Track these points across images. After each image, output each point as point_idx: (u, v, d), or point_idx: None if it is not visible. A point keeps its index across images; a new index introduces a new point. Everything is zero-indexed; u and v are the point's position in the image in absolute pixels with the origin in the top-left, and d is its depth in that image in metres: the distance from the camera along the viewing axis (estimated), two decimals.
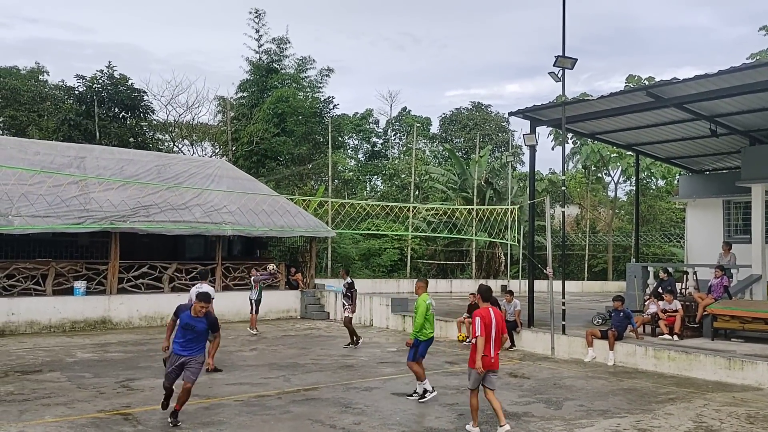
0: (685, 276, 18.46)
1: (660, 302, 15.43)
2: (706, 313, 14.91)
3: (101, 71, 33.45)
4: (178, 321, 8.69)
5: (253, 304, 18.25)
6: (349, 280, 16.41)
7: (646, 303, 16.53)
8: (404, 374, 12.21)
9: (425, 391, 10.04)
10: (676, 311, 14.87)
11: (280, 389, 10.70)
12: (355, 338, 16.04)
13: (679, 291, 17.24)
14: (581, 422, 8.77)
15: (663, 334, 14.72)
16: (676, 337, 14.47)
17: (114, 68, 33.61)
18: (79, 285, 18.83)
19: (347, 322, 16.13)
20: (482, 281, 34.10)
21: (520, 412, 9.25)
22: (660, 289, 16.42)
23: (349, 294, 16.20)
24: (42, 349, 14.65)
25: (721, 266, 16.31)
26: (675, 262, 34.52)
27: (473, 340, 8.11)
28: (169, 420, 8.28)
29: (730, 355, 12.30)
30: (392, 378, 11.85)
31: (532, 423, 8.69)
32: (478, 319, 8.08)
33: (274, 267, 20.74)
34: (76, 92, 33.55)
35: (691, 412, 9.45)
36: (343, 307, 16.37)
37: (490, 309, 8.31)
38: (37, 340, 16.14)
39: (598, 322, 17.79)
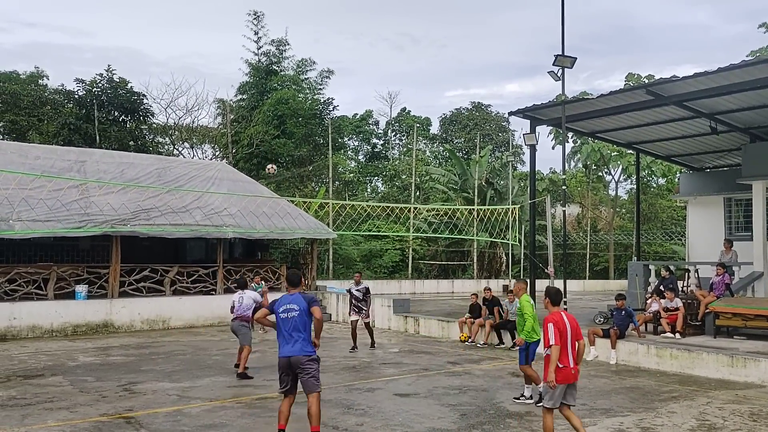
0: (686, 274, 18.44)
1: (662, 300, 15.41)
2: (708, 310, 14.88)
3: (101, 75, 33.54)
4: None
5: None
6: (363, 285, 15.98)
7: (647, 301, 16.51)
8: (407, 375, 12.21)
9: (540, 395, 8.94)
10: (678, 309, 14.84)
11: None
12: (372, 340, 16.07)
13: (680, 289, 17.23)
14: (584, 421, 8.72)
15: (665, 332, 14.70)
16: (678, 335, 14.45)
17: (113, 72, 33.68)
18: (81, 289, 18.83)
19: (369, 325, 16.10)
20: (484, 281, 34.09)
21: (522, 412, 9.24)
22: (662, 288, 16.40)
23: (366, 299, 15.77)
24: (44, 353, 14.65)
25: (722, 264, 16.30)
26: (676, 260, 34.51)
27: (546, 351, 7.09)
28: None
29: (733, 352, 12.28)
30: (394, 379, 11.84)
31: (535, 422, 8.67)
32: (550, 326, 7.01)
33: (262, 284, 19.29)
34: (76, 96, 33.61)
35: (694, 410, 9.43)
36: (358, 310, 15.66)
37: (563, 313, 7.27)
38: (39, 345, 16.14)
39: (600, 321, 17.75)
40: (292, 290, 7.53)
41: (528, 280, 10.77)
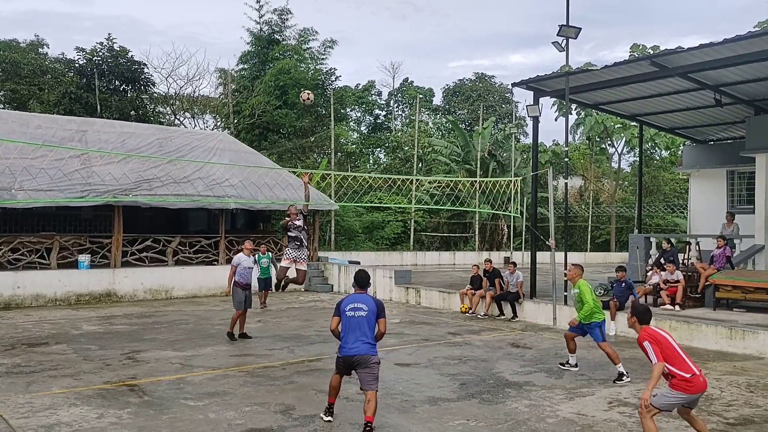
0: (687, 246, 18.46)
1: (662, 273, 15.46)
2: (708, 283, 14.94)
3: (101, 44, 33.30)
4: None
5: (258, 283, 17.12)
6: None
7: (648, 274, 16.57)
8: (407, 345, 12.31)
9: (620, 374, 9.47)
10: (678, 282, 14.90)
11: (284, 360, 10.80)
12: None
13: (681, 261, 17.27)
14: (582, 391, 8.85)
15: (665, 304, 14.77)
16: (677, 308, 14.52)
17: (114, 40, 33.43)
18: (84, 258, 18.93)
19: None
20: (486, 253, 34.18)
21: (521, 382, 9.33)
22: (662, 260, 16.44)
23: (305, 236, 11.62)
24: (48, 322, 14.79)
25: (723, 236, 16.31)
26: (678, 233, 34.52)
27: (662, 368, 6.13)
28: None
29: (732, 324, 12.35)
30: (395, 349, 11.94)
31: (534, 392, 8.77)
32: (647, 344, 6.18)
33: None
34: (77, 65, 33.41)
35: None
36: (298, 248, 11.39)
37: (655, 328, 6.52)
38: (43, 313, 16.27)
39: (600, 293, 17.84)
40: (359, 291, 7.56)
41: (582, 265, 10.67)
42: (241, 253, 13.22)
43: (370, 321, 7.30)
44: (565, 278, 13.33)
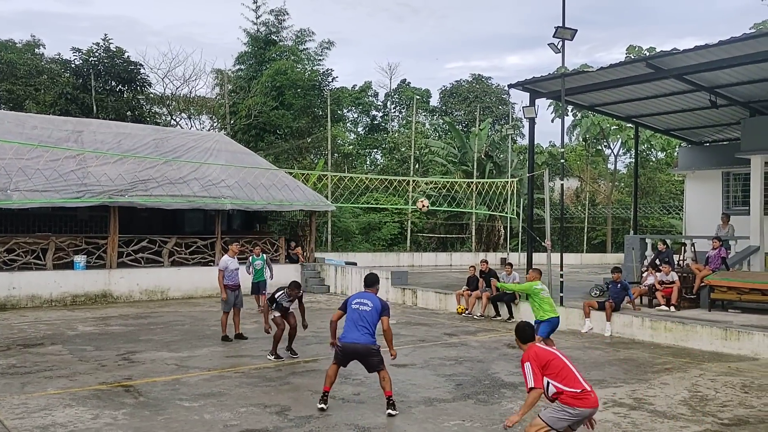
0: (683, 247, 18.52)
1: (657, 274, 15.50)
2: (703, 284, 14.99)
3: (97, 44, 33.21)
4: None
5: (253, 287, 15.88)
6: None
7: (643, 274, 16.61)
8: (404, 346, 12.31)
9: None
10: (673, 283, 14.94)
11: (280, 361, 10.79)
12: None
13: (677, 262, 17.31)
14: None
15: (660, 305, 14.81)
16: (673, 308, 14.57)
17: (110, 41, 33.34)
18: (79, 259, 18.89)
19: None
20: (482, 254, 34.20)
21: (517, 382, 9.34)
22: (657, 261, 16.49)
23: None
24: (43, 323, 14.76)
25: (718, 237, 16.36)
26: (674, 234, 34.60)
27: (540, 394, 5.83)
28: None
29: (727, 325, 12.39)
30: None
31: None
32: (527, 366, 5.88)
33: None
34: (73, 65, 33.34)
35: (687, 381, 9.55)
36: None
37: (541, 345, 6.39)
38: (39, 314, 16.24)
39: (595, 294, 17.90)
40: (367, 290, 8.10)
41: (541, 270, 11.46)
42: (226, 256, 13.16)
43: (373, 316, 7.77)
44: (561, 279, 13.52)
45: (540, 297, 10.59)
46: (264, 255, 16.21)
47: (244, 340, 12.71)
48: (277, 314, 10.97)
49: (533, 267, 12.26)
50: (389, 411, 7.64)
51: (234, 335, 12.78)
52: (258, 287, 15.74)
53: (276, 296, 10.97)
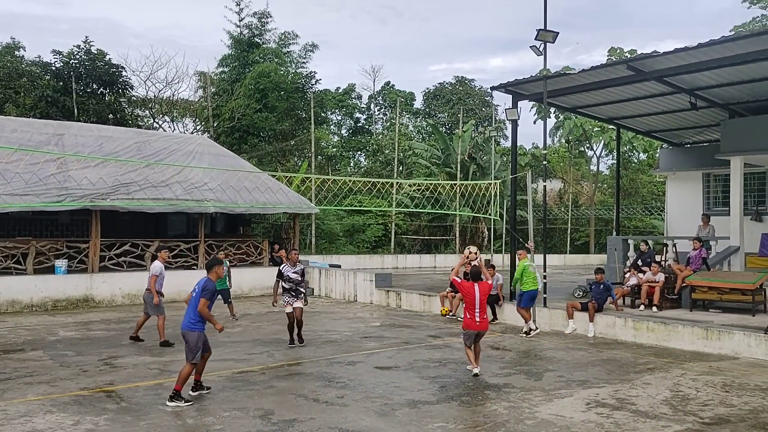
0: (664, 248, 18.68)
1: (641, 275, 15.63)
2: (684, 284, 15.13)
3: (78, 47, 32.84)
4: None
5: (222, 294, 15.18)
6: (300, 266, 12.82)
7: (626, 275, 16.73)
8: (388, 348, 12.32)
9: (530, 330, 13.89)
10: (658, 282, 15.07)
11: (263, 365, 10.75)
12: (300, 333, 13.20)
13: (659, 263, 17.45)
14: (560, 392, 8.91)
15: (642, 303, 14.94)
16: (655, 309, 14.69)
17: (91, 43, 33.00)
18: (60, 263, 18.70)
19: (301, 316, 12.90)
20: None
21: (501, 384, 9.38)
22: (639, 262, 16.62)
23: (304, 282, 12.89)
24: (24, 328, 14.58)
25: (699, 238, 16.52)
26: (656, 235, 34.90)
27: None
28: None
29: (708, 325, 12.51)
30: (375, 352, 11.94)
31: (513, 394, 8.82)
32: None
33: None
34: (53, 68, 32.96)
35: (669, 381, 9.62)
36: (296, 295, 12.60)
37: (475, 285, 10.23)
38: (19, 319, 16.05)
39: (578, 295, 18.00)
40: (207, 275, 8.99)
41: (529, 248, 14.94)
42: (158, 262, 13.08)
43: (195, 300, 8.91)
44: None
45: (528, 272, 13.83)
46: (227, 261, 15.78)
47: (171, 347, 12.18)
48: (288, 306, 12.49)
49: (524, 246, 14.71)
50: (168, 403, 8.13)
51: (161, 342, 12.37)
52: (222, 295, 15.27)
53: (282, 269, 12.65)
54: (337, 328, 15.16)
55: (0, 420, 7.46)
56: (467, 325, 9.92)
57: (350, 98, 57.35)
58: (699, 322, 12.85)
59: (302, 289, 12.69)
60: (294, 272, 12.54)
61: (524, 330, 13.99)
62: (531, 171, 18.07)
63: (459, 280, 10.38)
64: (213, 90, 37.83)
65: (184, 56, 72.09)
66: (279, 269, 12.76)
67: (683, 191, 23.01)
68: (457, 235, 38.46)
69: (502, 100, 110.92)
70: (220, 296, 14.14)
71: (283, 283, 12.55)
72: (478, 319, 9.86)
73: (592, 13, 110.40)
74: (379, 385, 9.34)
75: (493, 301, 16.02)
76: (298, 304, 12.52)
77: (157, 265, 12.96)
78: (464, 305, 10.07)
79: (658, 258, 17.72)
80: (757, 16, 37.28)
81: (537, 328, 14.00)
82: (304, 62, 43.51)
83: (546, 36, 14.61)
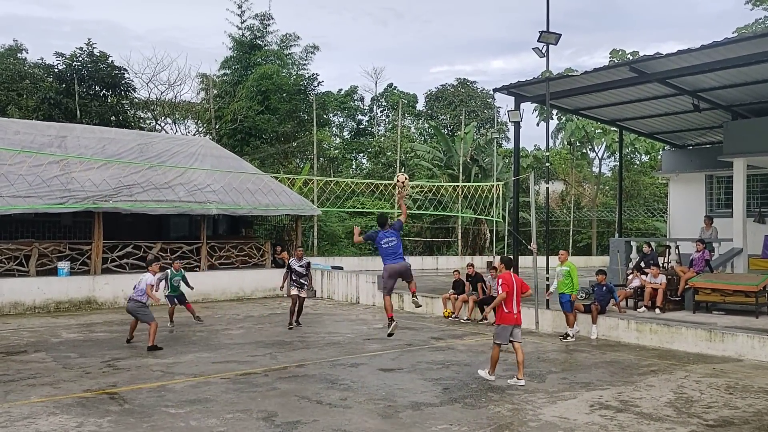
0: (667, 250, 18.65)
1: (644, 276, 15.60)
2: (687, 286, 15.10)
3: (81, 49, 32.87)
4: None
5: (168, 301, 15.61)
6: (306, 260, 15.58)
7: (629, 277, 16.71)
8: (390, 350, 12.31)
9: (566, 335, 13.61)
10: (660, 284, 15.03)
11: (266, 366, 10.75)
12: (298, 317, 15.55)
13: (661, 265, 17.43)
14: (564, 394, 8.89)
15: (645, 305, 14.91)
16: (658, 311, 14.66)
17: (94, 45, 33.06)
18: (63, 265, 18.71)
19: (303, 302, 15.64)
20: (468, 258, 34.28)
21: (504, 386, 9.36)
22: (642, 264, 16.59)
23: (308, 274, 15.51)
24: (26, 330, 14.59)
25: (702, 240, 16.49)
26: (658, 237, 34.85)
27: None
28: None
29: (711, 327, 12.49)
30: (378, 354, 11.94)
31: (516, 396, 8.81)
32: (500, 280, 9.81)
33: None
34: (56, 70, 33.01)
35: (672, 383, 9.61)
36: (300, 286, 15.24)
37: (512, 274, 9.95)
38: (22, 321, 16.06)
39: (581, 297, 17.95)
40: (385, 228, 10.40)
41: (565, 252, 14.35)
42: (150, 274, 13.09)
43: (398, 244, 10.43)
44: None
45: (576, 273, 13.71)
46: (182, 270, 15.88)
47: (160, 350, 12.22)
48: (294, 290, 15.03)
49: (561, 251, 14.37)
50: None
51: (149, 346, 12.28)
52: (172, 299, 15.50)
53: (290, 263, 15.28)
54: (340, 330, 15.15)
55: (3, 422, 7.47)
56: (505, 320, 9.57)
57: (352, 100, 57.35)
58: (702, 324, 12.83)
59: (304, 281, 15.26)
60: (300, 266, 15.23)
61: (568, 333, 13.61)
62: (533, 173, 18.05)
63: (499, 276, 10.00)
64: (215, 92, 37.84)
65: (186, 58, 72.13)
66: (288, 263, 15.59)
67: (686, 193, 22.98)
68: (459, 237, 38.42)
69: (504, 101, 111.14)
70: (176, 300, 15.41)
71: (291, 275, 15.26)
72: (515, 311, 9.59)
73: (592, 14, 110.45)
74: (382, 387, 9.33)
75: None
76: (301, 293, 15.19)
77: (153, 277, 12.97)
78: (503, 299, 9.58)
79: (661, 260, 17.70)
80: (760, 18, 37.21)
81: (573, 336, 13.60)
82: (305, 64, 43.52)
83: (548, 38, 14.62)
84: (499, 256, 10.75)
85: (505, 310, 9.58)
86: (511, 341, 9.59)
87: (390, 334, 10.49)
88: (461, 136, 39.99)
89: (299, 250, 16.13)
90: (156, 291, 12.94)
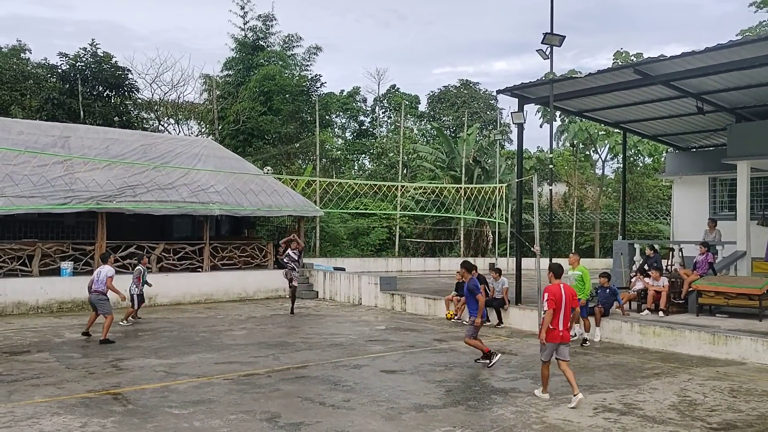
0: (671, 253, 18.62)
1: (647, 279, 15.58)
2: (691, 289, 15.07)
3: (84, 49, 32.93)
4: None
5: (135, 299, 15.92)
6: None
7: (632, 280, 16.68)
8: (393, 352, 12.30)
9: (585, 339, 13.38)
10: (663, 287, 15.01)
11: (269, 368, 10.75)
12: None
13: (665, 267, 17.40)
14: (568, 397, 8.87)
15: (648, 308, 14.88)
16: (661, 313, 14.63)
17: (97, 46, 33.11)
18: (66, 266, 18.73)
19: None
20: (471, 259, 34.24)
21: (507, 388, 9.35)
22: (646, 266, 16.56)
23: (299, 260, 18.70)
24: (30, 330, 14.61)
25: (705, 243, 16.46)
26: (661, 239, 34.81)
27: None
28: None
29: (715, 330, 12.47)
30: (381, 356, 11.93)
31: (519, 398, 8.79)
32: (546, 294, 8.82)
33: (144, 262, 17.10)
34: (59, 71, 33.06)
35: (676, 386, 9.59)
36: (292, 270, 18.25)
37: (561, 285, 8.91)
38: (25, 321, 16.08)
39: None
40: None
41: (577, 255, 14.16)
42: (109, 266, 13.79)
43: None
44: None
45: (588, 277, 13.35)
46: (145, 267, 16.86)
47: (113, 343, 12.86)
48: (291, 280, 17.85)
49: (571, 254, 14.18)
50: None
51: (101, 340, 12.89)
52: (141, 298, 16.36)
53: (290, 252, 17.91)
54: (342, 331, 15.15)
55: (7, 422, 7.47)
56: (549, 337, 8.64)
57: (355, 101, 57.36)
58: (706, 327, 12.81)
59: (295, 266, 18.00)
60: (293, 252, 18.03)
61: (587, 337, 13.40)
62: (536, 175, 18.04)
63: (545, 289, 8.89)
64: (218, 93, 37.88)
65: (190, 59, 72.21)
66: (287, 251, 18.24)
67: (689, 195, 22.94)
68: (462, 239, 38.41)
69: (507, 103, 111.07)
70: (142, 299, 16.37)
71: (284, 259, 18.10)
72: (561, 327, 8.64)
73: (594, 16, 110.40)
74: (385, 388, 9.32)
75: (498, 305, 16.02)
76: (293, 281, 18.05)
77: (111, 269, 13.72)
78: (549, 314, 8.61)
79: (664, 262, 17.67)
80: (764, 21, 37.14)
81: (589, 341, 13.34)
82: (308, 65, 43.59)
83: (552, 39, 14.62)
84: (548, 264, 9.68)
85: (550, 327, 8.65)
86: (557, 359, 8.72)
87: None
88: (464, 138, 40.01)
89: (300, 242, 18.60)
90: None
